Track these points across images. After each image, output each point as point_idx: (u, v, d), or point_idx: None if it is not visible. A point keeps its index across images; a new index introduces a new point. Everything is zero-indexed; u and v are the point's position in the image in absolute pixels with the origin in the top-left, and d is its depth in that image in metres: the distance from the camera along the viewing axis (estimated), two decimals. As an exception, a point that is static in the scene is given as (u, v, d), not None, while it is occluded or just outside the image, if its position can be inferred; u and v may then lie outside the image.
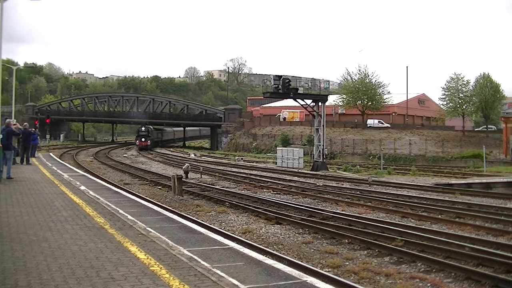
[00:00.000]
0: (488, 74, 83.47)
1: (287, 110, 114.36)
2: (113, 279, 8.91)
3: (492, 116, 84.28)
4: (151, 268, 9.69)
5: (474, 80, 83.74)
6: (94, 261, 10.17)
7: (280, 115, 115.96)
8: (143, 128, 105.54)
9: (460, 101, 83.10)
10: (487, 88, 80.00)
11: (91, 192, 21.69)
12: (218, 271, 9.62)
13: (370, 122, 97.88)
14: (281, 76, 51.99)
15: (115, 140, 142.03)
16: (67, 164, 44.12)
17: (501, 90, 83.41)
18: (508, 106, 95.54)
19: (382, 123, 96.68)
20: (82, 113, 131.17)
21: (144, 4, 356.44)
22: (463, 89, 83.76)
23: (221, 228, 20.40)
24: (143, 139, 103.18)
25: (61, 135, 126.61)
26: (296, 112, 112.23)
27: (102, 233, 13.00)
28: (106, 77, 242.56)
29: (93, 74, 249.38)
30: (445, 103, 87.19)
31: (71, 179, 27.60)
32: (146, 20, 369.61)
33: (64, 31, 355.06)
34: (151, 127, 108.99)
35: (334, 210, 25.43)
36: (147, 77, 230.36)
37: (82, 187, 23.72)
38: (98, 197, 20.18)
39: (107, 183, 30.37)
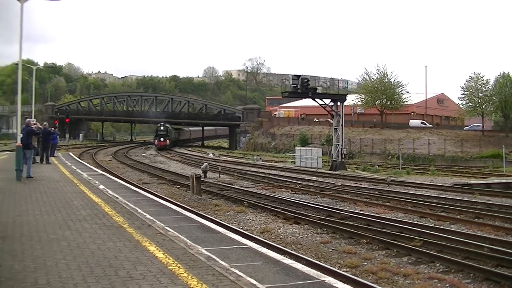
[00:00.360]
0: (508, 73, 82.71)
1: (283, 109, 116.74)
2: (132, 278, 8.96)
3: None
4: (169, 267, 9.73)
5: (494, 80, 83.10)
6: (112, 260, 10.22)
7: (276, 113, 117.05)
8: (161, 128, 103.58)
9: (479, 101, 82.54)
10: (507, 88, 79.30)
11: (110, 191, 21.77)
12: (236, 271, 9.64)
13: (412, 122, 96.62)
14: (299, 75, 51.94)
15: (134, 140, 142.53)
16: (86, 163, 44.31)
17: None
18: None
19: (425, 124, 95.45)
20: (101, 112, 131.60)
21: (163, 3, 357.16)
22: (483, 88, 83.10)
23: (239, 228, 20.41)
24: (161, 139, 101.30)
25: (80, 135, 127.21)
26: (291, 110, 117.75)
27: (121, 232, 13.06)
28: (125, 76, 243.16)
29: (112, 74, 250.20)
30: (464, 102, 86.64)
31: (90, 178, 27.72)
32: (165, 19, 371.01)
33: (84, 31, 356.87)
34: (169, 126, 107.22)
35: (352, 210, 25.39)
36: (166, 77, 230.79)
37: (101, 186, 23.82)
38: (117, 196, 20.25)
39: (126, 183, 30.46)
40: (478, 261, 15.33)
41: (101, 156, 71.07)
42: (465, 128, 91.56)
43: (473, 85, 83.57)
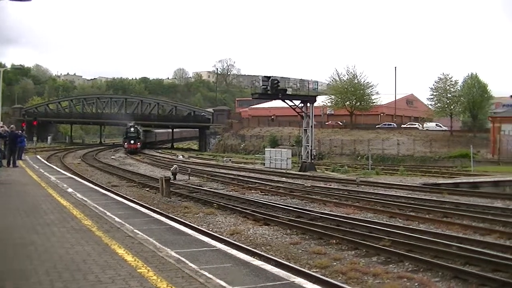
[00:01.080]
0: (476, 74, 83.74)
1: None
2: (100, 282, 8.89)
3: (480, 116, 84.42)
4: (138, 271, 9.67)
5: (462, 80, 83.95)
6: (81, 264, 10.14)
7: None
8: (132, 129, 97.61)
9: (448, 101, 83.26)
10: (475, 88, 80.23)
11: (78, 195, 21.62)
12: (206, 273, 9.62)
13: (428, 125, 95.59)
14: (269, 77, 52.07)
15: (103, 142, 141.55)
16: (54, 167, 43.97)
17: (488, 90, 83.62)
18: (496, 106, 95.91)
19: (440, 126, 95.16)
20: (70, 115, 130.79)
21: (132, 5, 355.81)
22: (451, 89, 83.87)
23: (209, 230, 20.40)
24: (132, 141, 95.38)
25: (49, 137, 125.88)
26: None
27: (89, 236, 12.97)
28: (94, 78, 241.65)
29: (81, 76, 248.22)
30: (433, 103, 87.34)
31: (58, 182, 27.51)
32: (135, 21, 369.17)
33: (52, 33, 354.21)
34: (139, 128, 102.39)
35: (322, 211, 25.46)
36: (136, 79, 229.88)
37: (70, 190, 23.65)
38: (86, 199, 20.12)
39: (95, 185, 30.27)
40: (447, 259, 15.45)
41: (70, 159, 70.61)
42: (425, 126, 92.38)
43: (442, 86, 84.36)
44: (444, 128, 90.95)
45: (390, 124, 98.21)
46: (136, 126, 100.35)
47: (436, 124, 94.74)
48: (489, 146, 68.98)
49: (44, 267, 9.87)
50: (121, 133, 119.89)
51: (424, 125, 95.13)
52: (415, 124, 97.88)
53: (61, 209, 17.48)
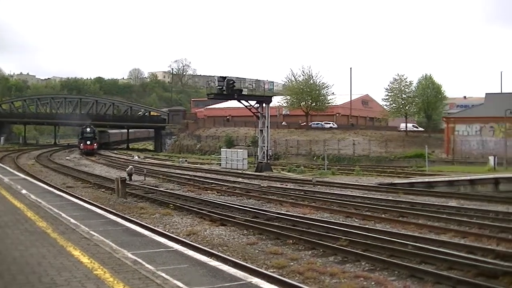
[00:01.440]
0: (430, 75, 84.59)
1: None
2: (56, 284, 8.79)
3: (435, 117, 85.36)
4: (94, 272, 9.58)
5: (417, 81, 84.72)
6: (36, 266, 10.02)
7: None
8: (88, 129, 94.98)
9: (403, 102, 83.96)
10: (429, 89, 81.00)
11: (32, 196, 21.38)
12: (163, 274, 9.57)
13: (403, 125, 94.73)
14: (225, 77, 52.06)
15: (58, 143, 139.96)
16: (7, 168, 43.49)
17: (442, 91, 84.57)
18: (450, 106, 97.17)
19: (417, 127, 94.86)
20: (24, 115, 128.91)
21: (86, 4, 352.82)
22: (406, 90, 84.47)
23: (165, 231, 20.33)
24: (88, 142, 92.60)
25: (1, 138, 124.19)
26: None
27: (44, 238, 12.82)
28: (48, 78, 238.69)
29: (34, 76, 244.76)
30: (388, 103, 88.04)
31: (12, 183, 27.18)
32: (90, 20, 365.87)
33: (4, 31, 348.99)
34: (95, 129, 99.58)
35: (278, 211, 25.54)
36: (91, 79, 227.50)
37: (24, 191, 23.37)
38: (40, 201, 19.91)
39: (50, 187, 30.01)
40: (403, 258, 15.58)
41: (24, 160, 69.80)
42: (401, 126, 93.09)
43: (397, 86, 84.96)
44: (421, 129, 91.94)
45: (328, 123, 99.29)
46: (92, 127, 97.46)
47: (413, 125, 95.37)
48: (443, 146, 69.83)
49: (-2, 270, 9.73)
50: (76, 133, 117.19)
51: (401, 125, 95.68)
52: (330, 123, 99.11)
53: (15, 210, 17.27)
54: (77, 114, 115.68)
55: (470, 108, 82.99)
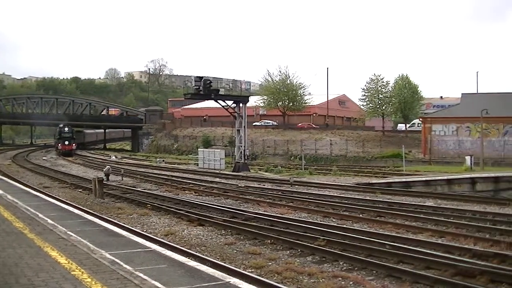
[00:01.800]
0: (406, 75, 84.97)
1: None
2: (33, 285, 8.74)
3: (411, 116, 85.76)
4: (72, 273, 9.53)
5: (393, 81, 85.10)
6: (13, 267, 9.96)
7: None
8: (66, 129, 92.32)
9: (379, 102, 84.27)
10: (406, 89, 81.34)
11: (9, 196, 21.26)
12: (141, 274, 9.54)
13: (401, 126, 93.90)
14: (202, 77, 51.96)
15: (34, 143, 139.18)
16: (-17, 168, 43.15)
17: (419, 91, 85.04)
18: (427, 106, 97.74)
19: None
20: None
21: (62, 3, 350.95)
22: (383, 90, 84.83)
23: (143, 231, 20.26)
24: (66, 142, 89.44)
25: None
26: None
27: (22, 238, 12.75)
28: (24, 78, 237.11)
29: (10, 75, 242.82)
30: (365, 103, 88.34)
31: (-12, 184, 26.99)
32: (65, 18, 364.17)
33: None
34: (73, 128, 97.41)
35: (256, 211, 25.55)
36: (67, 78, 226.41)
37: (0, 191, 23.21)
38: (17, 201, 19.79)
39: (26, 187, 29.89)
40: (381, 258, 15.64)
41: (0, 160, 69.26)
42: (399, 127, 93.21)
43: (374, 86, 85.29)
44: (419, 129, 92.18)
45: (268, 123, 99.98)
46: (70, 126, 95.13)
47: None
48: (420, 146, 70.24)
49: (-26, 271, 9.65)
50: (52, 133, 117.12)
51: (399, 126, 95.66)
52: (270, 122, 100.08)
53: (-9, 211, 17.13)
54: (54, 114, 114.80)
55: (447, 108, 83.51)
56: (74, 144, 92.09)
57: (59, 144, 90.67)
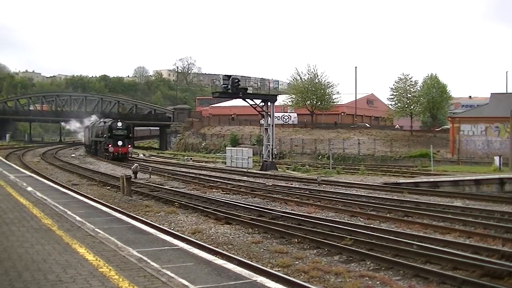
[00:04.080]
0: (435, 75, 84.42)
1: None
2: (61, 281, 8.80)
3: (439, 116, 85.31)
4: (100, 270, 9.60)
5: (422, 81, 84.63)
6: (41, 263, 10.03)
7: None
8: (119, 124, 69.65)
9: (408, 101, 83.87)
10: (434, 89, 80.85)
11: (38, 193, 21.42)
12: (168, 272, 9.58)
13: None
14: (230, 76, 51.95)
15: (63, 140, 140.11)
16: (13, 165, 43.56)
17: (447, 91, 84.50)
18: (455, 106, 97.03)
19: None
20: (29, 112, 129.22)
21: (92, 2, 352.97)
22: (411, 89, 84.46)
23: (170, 229, 20.28)
24: (120, 143, 67.42)
25: (7, 135, 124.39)
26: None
27: (50, 235, 12.84)
28: (54, 76, 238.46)
29: (40, 73, 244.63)
30: (393, 103, 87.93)
31: (18, 180, 27.25)
32: (95, 18, 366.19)
33: (10, 29, 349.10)
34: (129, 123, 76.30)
35: (283, 210, 25.49)
36: (96, 76, 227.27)
37: (29, 188, 23.42)
38: (46, 198, 19.94)
39: (55, 184, 30.07)
40: (408, 258, 15.56)
41: (29, 157, 69.86)
42: None
43: (402, 86, 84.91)
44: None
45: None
46: (124, 121, 73.57)
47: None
48: (448, 146, 69.78)
49: (3, 267, 9.74)
50: (81, 131, 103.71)
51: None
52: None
53: (21, 208, 17.29)
54: (82, 112, 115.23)
55: (475, 108, 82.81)
56: (129, 146, 70.49)
57: (110, 145, 67.18)
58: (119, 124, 69.60)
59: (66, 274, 9.24)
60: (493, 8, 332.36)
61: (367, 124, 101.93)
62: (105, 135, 69.37)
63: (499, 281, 13.23)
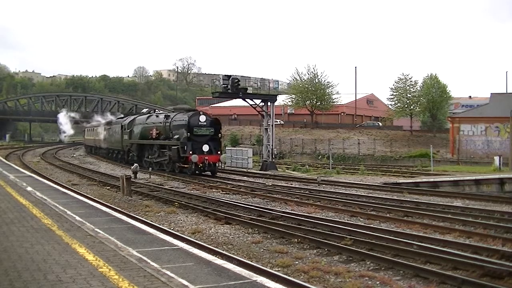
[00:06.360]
0: (435, 75, 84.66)
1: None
2: (61, 281, 8.80)
3: (439, 116, 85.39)
4: (99, 270, 9.60)
5: (422, 81, 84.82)
6: (41, 263, 10.04)
7: None
8: (202, 119, 46.34)
9: (408, 101, 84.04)
10: (434, 89, 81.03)
11: (38, 193, 21.43)
12: (168, 272, 9.59)
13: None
14: (230, 75, 51.98)
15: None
16: (13, 165, 43.58)
17: (447, 91, 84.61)
18: (455, 106, 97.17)
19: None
20: (29, 112, 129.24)
21: (91, 2, 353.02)
22: (411, 89, 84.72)
23: (170, 229, 20.27)
24: (206, 148, 45.18)
25: (7, 135, 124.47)
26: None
27: (50, 235, 12.85)
28: (54, 76, 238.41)
29: (40, 73, 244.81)
30: (393, 103, 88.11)
31: (17, 180, 27.26)
32: (94, 17, 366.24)
33: (9, 29, 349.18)
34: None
35: (283, 210, 25.46)
36: (96, 76, 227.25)
37: (29, 188, 23.43)
38: (46, 198, 19.95)
39: (55, 184, 30.07)
40: (408, 258, 15.56)
41: (29, 157, 69.86)
42: None
43: (402, 86, 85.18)
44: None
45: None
46: (207, 115, 50.29)
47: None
48: (448, 146, 69.86)
49: (3, 267, 9.75)
50: (80, 131, 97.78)
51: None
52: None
53: (20, 208, 17.30)
54: (82, 112, 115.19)
55: (475, 108, 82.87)
56: (219, 152, 47.44)
57: (191, 152, 44.17)
58: (202, 118, 46.75)
59: (66, 274, 9.25)
60: (493, 8, 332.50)
61: (379, 123, 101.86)
62: (176, 136, 46.90)
63: (499, 281, 13.22)
